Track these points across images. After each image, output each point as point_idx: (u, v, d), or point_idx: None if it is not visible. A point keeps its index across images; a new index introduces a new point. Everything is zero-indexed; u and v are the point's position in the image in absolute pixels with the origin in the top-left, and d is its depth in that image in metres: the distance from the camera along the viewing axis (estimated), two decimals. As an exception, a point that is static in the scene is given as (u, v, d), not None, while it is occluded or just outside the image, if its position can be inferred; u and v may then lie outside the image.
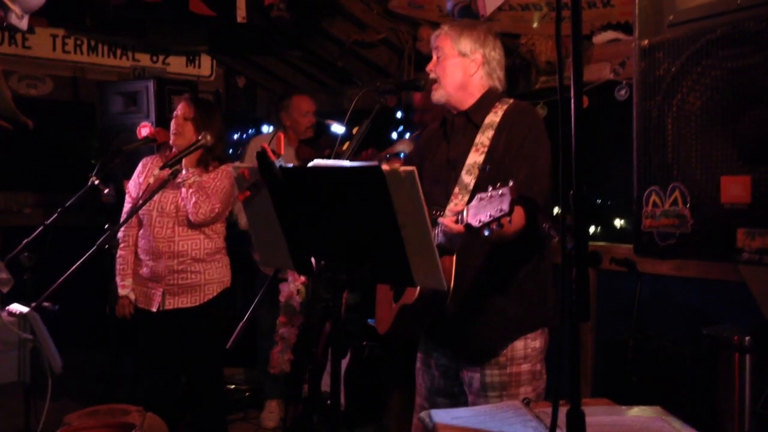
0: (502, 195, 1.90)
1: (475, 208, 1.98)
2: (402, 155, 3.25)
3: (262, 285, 4.61)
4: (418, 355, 2.69)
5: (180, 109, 3.61)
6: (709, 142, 1.71)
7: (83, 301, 4.59)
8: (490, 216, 1.91)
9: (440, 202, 2.43)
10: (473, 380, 2.49)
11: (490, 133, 2.43)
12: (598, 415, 2.01)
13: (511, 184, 1.88)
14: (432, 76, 2.54)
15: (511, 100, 2.51)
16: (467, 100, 2.52)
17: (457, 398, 2.56)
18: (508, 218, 1.88)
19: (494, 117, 2.45)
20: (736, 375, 2.98)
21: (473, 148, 2.43)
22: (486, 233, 1.94)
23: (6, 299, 2.77)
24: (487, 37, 2.53)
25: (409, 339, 2.71)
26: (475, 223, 1.96)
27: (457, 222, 2.08)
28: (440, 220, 2.16)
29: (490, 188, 1.95)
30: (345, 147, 2.60)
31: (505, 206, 1.86)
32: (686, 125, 1.77)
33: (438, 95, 2.54)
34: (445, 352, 2.57)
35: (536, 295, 2.48)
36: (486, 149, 2.41)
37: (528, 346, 2.47)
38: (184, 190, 3.52)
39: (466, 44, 2.50)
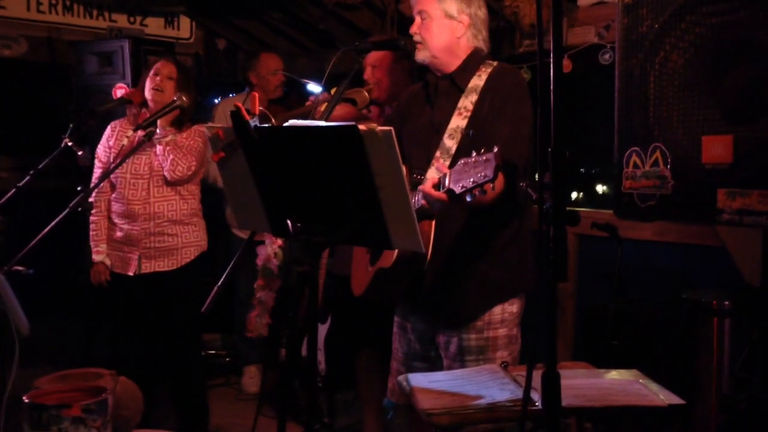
0: (486, 160, 1.86)
1: (457, 174, 1.95)
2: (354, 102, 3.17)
3: (238, 248, 4.59)
4: (394, 319, 2.67)
5: (164, 67, 3.55)
6: (692, 101, 1.68)
7: (59, 266, 4.54)
8: (473, 182, 1.88)
9: (421, 166, 2.40)
10: (450, 344, 2.48)
11: (473, 97, 2.38)
12: (575, 378, 2.01)
13: (496, 149, 1.84)
14: (416, 38, 2.47)
15: (495, 63, 2.47)
16: (452, 62, 2.47)
17: (434, 362, 2.56)
18: (491, 184, 1.85)
19: (478, 81, 2.41)
20: (714, 339, 3.00)
21: (456, 112, 2.39)
22: (468, 199, 1.91)
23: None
24: None
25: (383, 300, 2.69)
26: (457, 188, 1.93)
27: (438, 187, 2.04)
28: (420, 186, 2.13)
29: (474, 153, 1.91)
30: (322, 108, 2.54)
31: (489, 172, 1.83)
32: (668, 84, 1.74)
33: (422, 56, 2.48)
34: (423, 317, 2.55)
35: (516, 260, 2.46)
36: (469, 114, 2.37)
37: (505, 310, 2.47)
38: (160, 147, 3.48)
39: (451, 5, 2.43)
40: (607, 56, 3.61)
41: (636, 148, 1.86)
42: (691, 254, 3.40)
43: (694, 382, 3.06)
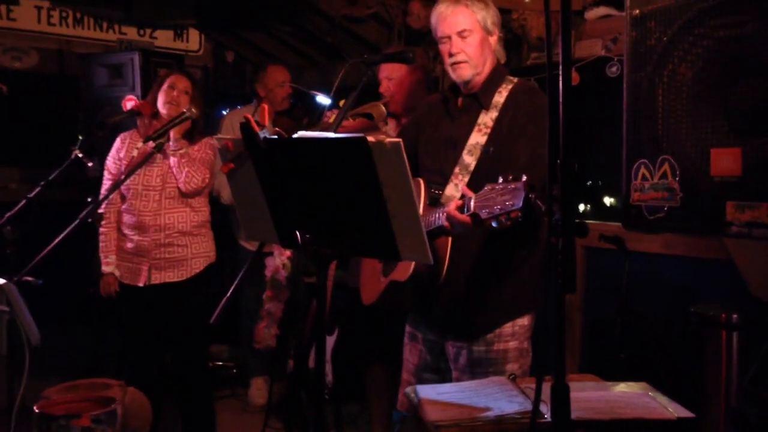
0: (515, 189, 1.86)
1: (483, 199, 1.95)
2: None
3: (244, 260, 4.59)
4: (405, 329, 2.67)
5: (179, 82, 3.56)
6: (700, 114, 1.69)
7: (68, 277, 4.55)
8: (500, 209, 1.88)
9: (438, 180, 2.40)
10: (460, 356, 2.48)
11: (494, 114, 2.38)
12: (584, 390, 2.01)
13: (524, 178, 1.84)
14: (459, 57, 2.40)
15: (516, 80, 2.46)
16: (481, 79, 2.45)
17: (444, 374, 2.55)
18: (518, 214, 1.85)
19: (499, 97, 2.41)
20: (723, 352, 2.98)
21: (476, 128, 2.39)
22: (494, 225, 1.91)
23: (-13, 273, 2.73)
24: (496, 10, 2.47)
25: (394, 313, 2.69)
26: (482, 214, 1.93)
27: (462, 209, 2.04)
28: (446, 208, 2.12)
29: (501, 179, 1.91)
30: (331, 119, 2.55)
31: (518, 201, 1.83)
32: (677, 97, 1.74)
33: (469, 73, 2.42)
34: (433, 328, 2.55)
35: (529, 279, 2.46)
36: (489, 130, 2.37)
37: (516, 324, 2.46)
38: (174, 160, 3.50)
39: (486, 19, 2.42)
40: (614, 69, 3.62)
41: (644, 160, 1.86)
42: (699, 267, 3.38)
43: (702, 396, 3.04)
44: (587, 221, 4.01)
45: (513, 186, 1.86)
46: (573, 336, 3.95)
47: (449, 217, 2.08)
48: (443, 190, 2.35)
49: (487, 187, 1.95)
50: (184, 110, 3.42)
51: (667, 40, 1.78)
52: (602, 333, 3.56)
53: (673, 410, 1.86)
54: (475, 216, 1.97)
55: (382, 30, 4.90)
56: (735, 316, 2.97)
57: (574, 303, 3.93)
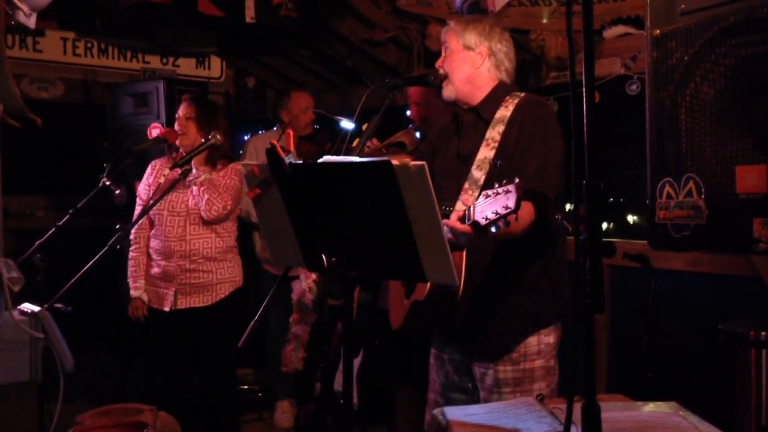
0: (507, 192, 1.86)
1: (481, 206, 1.96)
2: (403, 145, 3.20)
3: (268, 283, 4.60)
4: (431, 350, 2.67)
5: (181, 110, 3.66)
6: (724, 132, 1.69)
7: (96, 303, 4.60)
8: (495, 213, 1.88)
9: (451, 197, 2.42)
10: (486, 376, 2.47)
11: (500, 128, 2.40)
12: (613, 410, 1.99)
13: (516, 180, 1.85)
14: (441, 72, 2.53)
15: (522, 94, 2.48)
16: (476, 95, 2.51)
17: (471, 394, 2.54)
18: (513, 216, 1.85)
19: (505, 111, 2.43)
20: (752, 370, 2.95)
21: (483, 143, 2.41)
22: (493, 230, 1.91)
23: (19, 301, 2.77)
24: (493, 30, 2.51)
25: (420, 334, 2.69)
26: (481, 221, 1.93)
27: (463, 219, 2.05)
28: (445, 220, 2.13)
29: (496, 185, 1.92)
30: (355, 143, 2.58)
31: (511, 203, 1.83)
32: (700, 115, 1.75)
33: (447, 92, 2.53)
34: (458, 348, 2.55)
35: (550, 290, 2.45)
36: (497, 144, 2.38)
37: (541, 341, 2.45)
38: (195, 188, 3.55)
39: (471, 38, 2.49)
40: (634, 87, 3.62)
41: (669, 178, 1.86)
42: (726, 284, 3.35)
43: (732, 414, 3.00)
44: (611, 240, 4.02)
45: (505, 189, 1.86)
46: (599, 355, 3.91)
47: (451, 229, 2.09)
48: (453, 206, 2.36)
49: (483, 194, 1.95)
50: (209, 137, 3.47)
51: (688, 60, 1.79)
52: (629, 352, 3.53)
53: (704, 429, 1.84)
54: (474, 224, 1.96)
55: (401, 53, 4.95)
56: (764, 333, 2.94)
57: (599, 322, 3.91)
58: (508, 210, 1.84)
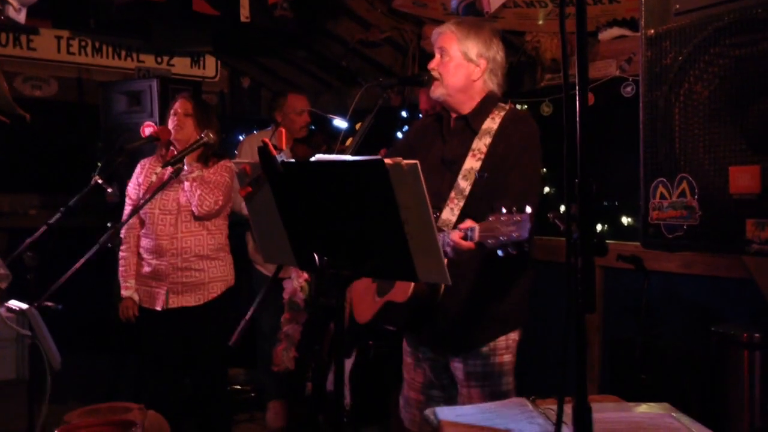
0: (521, 221, 1.90)
1: (488, 229, 1.99)
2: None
3: (260, 283, 4.59)
4: (405, 349, 2.70)
5: (179, 106, 3.64)
6: (717, 132, 1.69)
7: (87, 302, 4.58)
8: (506, 238, 1.94)
9: (434, 203, 2.43)
10: (457, 370, 2.54)
11: (487, 140, 2.44)
12: (605, 411, 1.99)
13: (529, 210, 1.89)
14: (434, 74, 2.52)
15: (508, 106, 2.53)
16: (467, 103, 2.53)
17: (449, 390, 2.61)
18: (526, 245, 1.89)
19: (492, 123, 2.47)
20: (745, 372, 2.95)
21: (470, 154, 2.44)
22: (500, 253, 1.97)
23: (7, 298, 2.75)
24: (493, 41, 2.53)
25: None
26: (488, 243, 1.99)
27: (465, 238, 2.08)
28: (451, 237, 2.16)
29: (504, 210, 1.95)
30: (348, 143, 2.57)
31: (524, 233, 1.89)
32: (693, 115, 1.75)
33: (438, 93, 2.53)
34: (432, 346, 2.61)
35: (520, 296, 2.55)
36: (483, 156, 2.43)
37: (509, 338, 2.55)
38: (187, 184, 3.55)
39: (473, 48, 2.49)
40: (629, 89, 3.62)
41: (662, 178, 1.86)
42: (719, 286, 3.36)
43: (725, 416, 3.00)
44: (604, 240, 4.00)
45: (518, 218, 1.92)
46: (592, 357, 3.91)
47: (455, 245, 2.12)
48: (440, 213, 2.39)
49: (491, 218, 2.00)
50: (201, 135, 3.46)
51: (682, 60, 1.78)
52: (623, 353, 3.53)
53: (697, 431, 1.84)
54: (480, 245, 2.03)
55: (396, 54, 4.94)
56: (757, 335, 2.94)
57: (592, 323, 3.91)
58: (521, 239, 1.87)
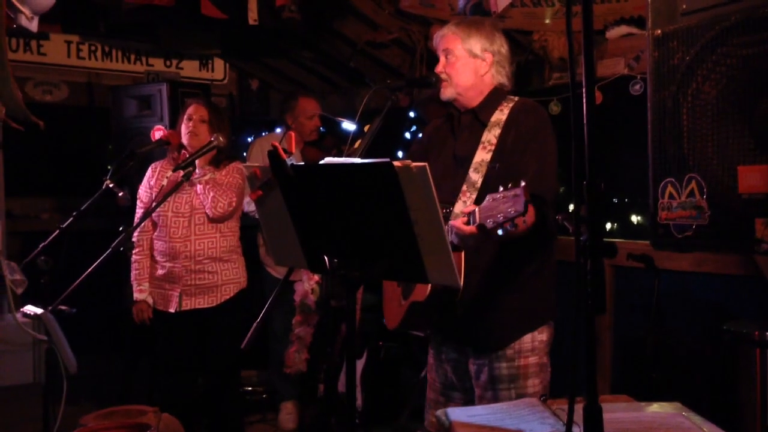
0: (515, 196, 1.89)
1: (486, 210, 1.98)
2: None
3: (271, 285, 4.60)
4: (429, 350, 2.68)
5: (195, 112, 3.65)
6: (725, 132, 1.69)
7: (100, 305, 4.61)
8: (503, 216, 1.91)
9: (448, 199, 2.43)
10: (481, 373, 2.49)
11: (497, 132, 2.43)
12: (617, 411, 1.99)
13: (523, 184, 1.87)
14: (443, 77, 2.53)
15: (517, 98, 2.52)
16: (476, 98, 2.53)
17: (470, 393, 2.57)
18: (522, 218, 1.87)
19: (501, 115, 2.46)
20: (757, 370, 2.93)
21: (480, 146, 2.43)
22: (500, 233, 1.94)
23: (22, 303, 2.78)
24: (495, 34, 2.53)
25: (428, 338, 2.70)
26: (488, 224, 1.95)
27: (468, 223, 2.07)
28: (452, 222, 2.16)
29: (501, 188, 1.94)
30: (357, 145, 2.58)
31: (520, 207, 1.86)
32: (701, 115, 1.75)
33: (448, 93, 2.54)
34: (455, 347, 2.58)
35: (542, 289, 2.50)
36: (494, 147, 2.41)
37: (535, 338, 2.49)
38: (200, 186, 3.57)
39: (476, 44, 2.50)
40: (637, 87, 3.62)
41: (671, 178, 1.86)
42: (730, 284, 3.34)
43: (737, 415, 2.99)
44: (614, 240, 4.01)
45: (513, 193, 1.89)
46: (603, 356, 3.91)
47: (457, 231, 2.11)
48: (452, 208, 2.38)
49: (488, 198, 1.98)
50: (212, 139, 3.48)
51: (690, 59, 1.79)
52: (634, 352, 3.52)
53: (708, 430, 1.84)
54: (481, 227, 1.99)
55: (404, 55, 4.95)
56: (768, 333, 2.92)
57: (603, 323, 3.90)
58: (517, 213, 1.86)
